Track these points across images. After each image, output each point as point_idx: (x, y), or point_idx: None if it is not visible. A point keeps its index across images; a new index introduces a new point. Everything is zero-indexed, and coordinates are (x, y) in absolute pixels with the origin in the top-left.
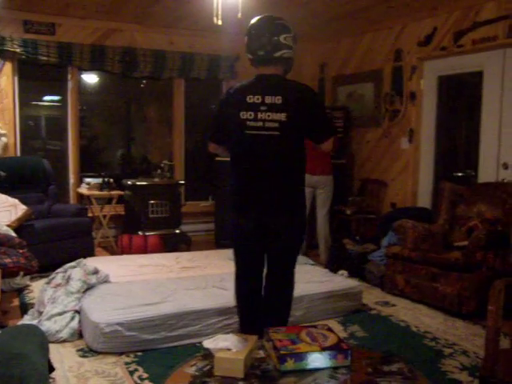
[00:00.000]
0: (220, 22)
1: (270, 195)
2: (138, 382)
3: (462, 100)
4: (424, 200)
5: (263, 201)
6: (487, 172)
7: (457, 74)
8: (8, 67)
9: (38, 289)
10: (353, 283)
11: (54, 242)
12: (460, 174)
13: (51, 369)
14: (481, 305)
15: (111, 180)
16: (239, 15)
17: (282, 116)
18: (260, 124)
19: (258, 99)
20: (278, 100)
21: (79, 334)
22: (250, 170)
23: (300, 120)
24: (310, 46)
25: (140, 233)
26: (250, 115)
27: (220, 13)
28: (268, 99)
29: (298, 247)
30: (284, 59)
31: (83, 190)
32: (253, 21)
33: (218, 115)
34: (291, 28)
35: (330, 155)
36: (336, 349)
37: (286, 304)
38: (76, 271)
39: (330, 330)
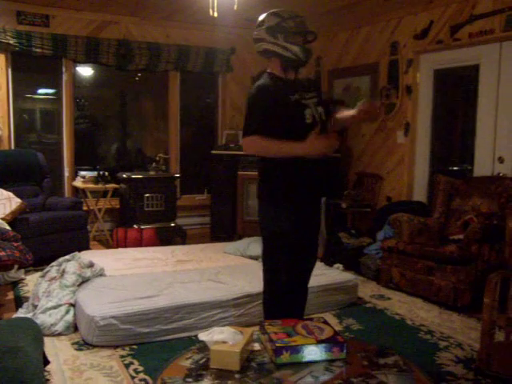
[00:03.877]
0: (216, 15)
1: (322, 183)
2: (134, 374)
3: (458, 94)
4: (420, 194)
5: (318, 190)
6: (483, 166)
7: (453, 67)
8: (1, 59)
9: (32, 282)
10: (348, 276)
11: (49, 236)
12: (456, 168)
13: (46, 362)
14: (476, 298)
15: (106, 173)
16: (235, 7)
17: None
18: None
19: None
20: None
21: (74, 328)
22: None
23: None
24: None
25: (135, 226)
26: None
27: (216, 5)
28: None
29: None
30: (264, 52)
31: (78, 183)
32: None
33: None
34: (266, 19)
35: None
36: (332, 342)
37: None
38: (71, 264)
39: (325, 322)
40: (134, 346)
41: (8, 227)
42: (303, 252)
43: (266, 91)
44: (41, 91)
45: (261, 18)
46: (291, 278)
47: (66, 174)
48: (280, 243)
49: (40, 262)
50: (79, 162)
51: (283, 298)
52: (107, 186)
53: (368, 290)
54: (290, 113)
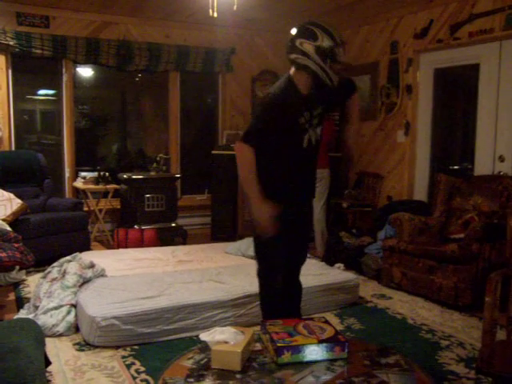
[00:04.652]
0: (216, 15)
1: (309, 183)
2: (135, 375)
3: (458, 93)
4: (420, 193)
5: (305, 189)
6: (483, 165)
7: (453, 66)
8: (1, 60)
9: (33, 283)
10: (349, 276)
11: (50, 236)
12: (456, 167)
13: (48, 363)
14: (477, 297)
15: (107, 174)
16: (235, 7)
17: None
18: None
19: None
20: None
21: (75, 328)
22: (298, 167)
23: None
24: None
25: (136, 226)
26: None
27: (216, 5)
28: None
29: None
30: (300, 66)
31: (79, 183)
32: None
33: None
34: (320, 37)
35: (326, 148)
36: (333, 341)
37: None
38: (72, 265)
39: (326, 322)
40: (136, 347)
41: (9, 228)
42: (290, 250)
43: (279, 106)
44: (41, 92)
45: (309, 27)
46: (281, 276)
47: (67, 174)
48: (264, 241)
49: (41, 262)
50: (80, 163)
51: (277, 295)
52: (108, 186)
53: (369, 290)
54: (291, 136)
